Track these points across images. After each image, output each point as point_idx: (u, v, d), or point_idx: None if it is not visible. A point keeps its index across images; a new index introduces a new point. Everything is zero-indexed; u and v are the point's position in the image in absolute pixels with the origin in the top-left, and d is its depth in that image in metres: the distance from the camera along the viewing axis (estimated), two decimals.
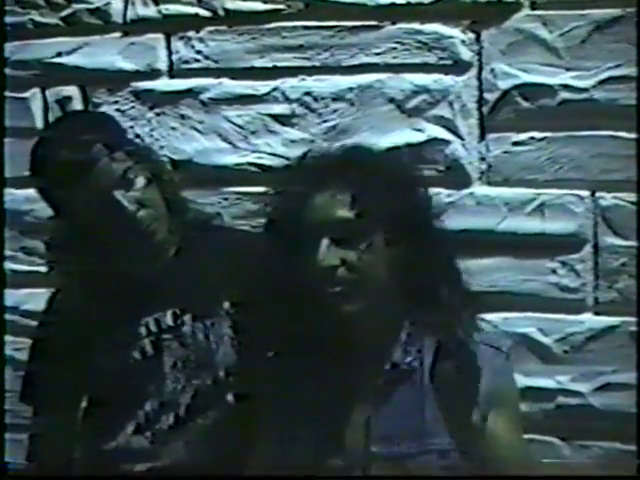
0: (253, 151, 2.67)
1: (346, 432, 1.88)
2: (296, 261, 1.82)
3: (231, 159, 2.68)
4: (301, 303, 1.85)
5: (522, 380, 2.28)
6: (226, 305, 2.17)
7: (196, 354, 2.17)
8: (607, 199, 2.45)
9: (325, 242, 1.80)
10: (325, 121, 2.61)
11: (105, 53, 2.76)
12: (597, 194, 2.46)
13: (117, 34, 2.75)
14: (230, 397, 2.13)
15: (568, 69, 2.46)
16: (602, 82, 2.44)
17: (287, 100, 2.63)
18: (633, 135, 2.44)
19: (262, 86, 2.65)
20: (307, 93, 2.62)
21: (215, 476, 2.04)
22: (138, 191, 2.12)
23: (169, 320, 2.19)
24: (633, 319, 2.45)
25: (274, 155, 2.65)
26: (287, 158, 2.61)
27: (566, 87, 2.46)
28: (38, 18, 2.80)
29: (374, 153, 2.06)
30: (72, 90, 2.78)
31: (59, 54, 2.79)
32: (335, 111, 2.60)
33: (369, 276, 1.82)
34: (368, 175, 1.85)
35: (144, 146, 2.48)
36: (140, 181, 2.13)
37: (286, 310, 1.87)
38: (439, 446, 1.84)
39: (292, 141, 2.63)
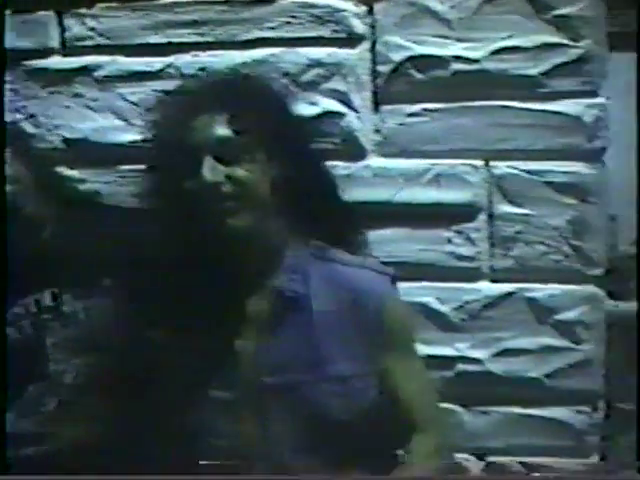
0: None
1: (234, 362, 1.90)
2: (183, 183, 1.87)
3: (126, 137, 2.65)
4: (190, 224, 1.87)
5: (422, 349, 2.30)
6: (106, 282, 2.16)
7: (77, 333, 2.17)
8: (501, 168, 2.48)
9: (209, 160, 1.86)
10: None
11: None
12: (491, 163, 2.49)
13: (7, 11, 2.70)
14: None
15: (460, 40, 2.48)
16: (493, 53, 2.47)
17: (182, 76, 2.61)
18: (524, 104, 2.47)
19: (156, 62, 2.63)
20: (202, 69, 2.60)
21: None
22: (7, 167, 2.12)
23: (48, 300, 2.18)
24: (528, 285, 2.49)
25: None
26: None
27: (458, 58, 2.48)
28: None
29: (247, 77, 2.14)
30: None
31: None
32: None
33: (254, 191, 1.88)
34: (243, 96, 1.94)
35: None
36: (8, 157, 2.13)
37: (177, 231, 1.91)
38: (337, 373, 1.87)
39: None
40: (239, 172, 1.88)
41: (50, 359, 2.17)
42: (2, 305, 2.09)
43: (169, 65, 2.62)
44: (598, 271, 2.48)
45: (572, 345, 2.49)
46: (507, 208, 2.48)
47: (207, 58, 2.60)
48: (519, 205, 2.47)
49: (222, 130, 1.89)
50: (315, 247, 1.98)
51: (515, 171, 2.47)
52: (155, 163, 1.98)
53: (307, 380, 1.90)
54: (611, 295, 2.57)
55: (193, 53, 2.60)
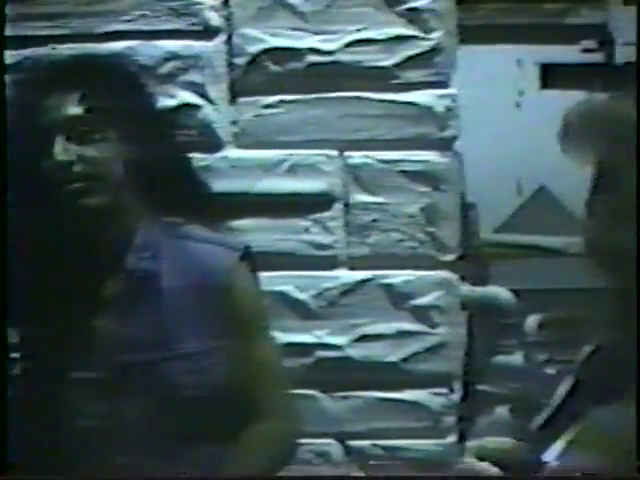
0: None
1: (92, 343, 1.92)
2: (38, 164, 1.89)
3: None
4: (45, 206, 1.89)
5: (281, 337, 2.35)
6: None
7: None
8: (355, 157, 2.54)
9: (60, 139, 1.87)
10: None
11: None
12: (345, 153, 2.54)
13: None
14: None
15: (315, 33, 2.53)
16: (347, 45, 2.52)
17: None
18: (377, 95, 2.53)
19: (11, 56, 2.61)
20: None
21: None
22: None
23: None
24: (384, 272, 2.55)
25: None
26: None
27: (313, 50, 2.53)
28: None
29: (99, 56, 2.21)
30: None
31: None
32: None
33: (106, 170, 1.91)
34: (95, 74, 1.97)
35: None
36: None
37: (34, 214, 1.93)
38: (184, 350, 1.91)
39: None
40: (90, 151, 1.90)
41: None
42: (2, 306, 2.02)
43: (26, 58, 2.61)
44: (452, 257, 2.55)
45: (428, 329, 2.55)
46: (362, 197, 2.53)
47: (65, 51, 2.59)
48: (374, 194, 2.53)
49: (73, 109, 1.91)
50: (168, 224, 1.99)
51: (369, 160, 2.53)
52: (10, 145, 1.97)
53: (157, 358, 1.93)
54: (464, 279, 2.65)
55: (51, 46, 2.60)
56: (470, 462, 1.32)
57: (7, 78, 2.35)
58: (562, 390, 1.33)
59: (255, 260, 2.11)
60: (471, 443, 1.42)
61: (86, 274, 1.96)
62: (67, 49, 2.58)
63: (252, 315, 2.02)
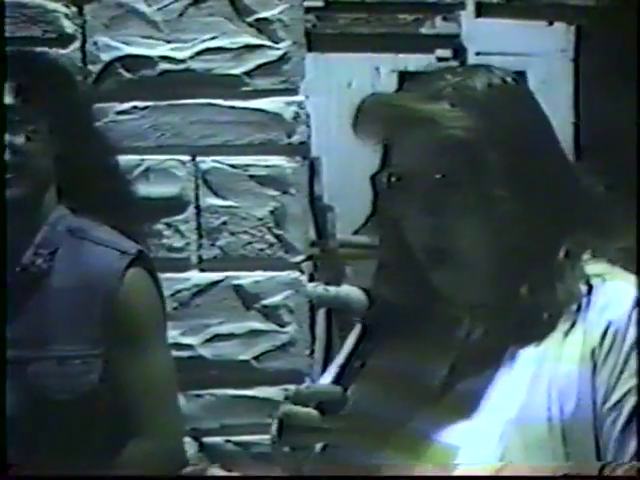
0: None
1: None
2: None
3: None
4: None
5: None
6: None
7: None
8: (207, 162, 2.61)
9: None
10: None
11: None
12: (197, 158, 2.61)
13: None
14: None
15: (167, 41, 2.60)
16: (199, 53, 2.60)
17: None
18: (228, 102, 2.61)
19: None
20: None
21: (215, 477, 1.99)
22: None
23: None
24: (235, 273, 2.63)
25: None
26: None
27: (165, 58, 2.60)
28: None
29: (37, 53, 2.26)
30: None
31: None
32: None
33: (33, 162, 1.94)
34: (32, 66, 2.03)
35: None
36: None
37: None
38: (59, 352, 1.92)
39: None
40: (19, 140, 1.92)
41: None
42: (2, 305, 2.02)
43: None
44: (299, 258, 2.64)
45: (277, 328, 2.64)
46: (213, 200, 2.61)
47: None
48: (224, 197, 2.61)
49: (8, 98, 1.93)
50: (74, 223, 2.00)
51: (220, 165, 2.61)
52: None
53: (31, 356, 1.93)
54: (313, 279, 2.74)
55: None
56: (288, 408, 1.39)
57: None
58: (351, 340, 1.45)
59: (151, 266, 2.08)
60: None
61: None
62: None
63: (141, 325, 1.99)
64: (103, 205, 2.03)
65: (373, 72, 4.12)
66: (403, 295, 1.48)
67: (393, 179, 1.45)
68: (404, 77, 3.88)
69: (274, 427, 1.46)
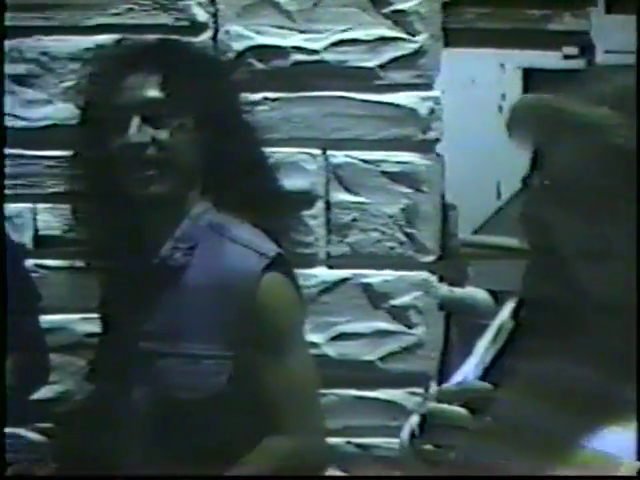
0: None
1: (115, 328, 1.95)
2: (109, 142, 1.87)
3: None
4: (111, 185, 1.88)
5: None
6: None
7: None
8: (338, 157, 2.55)
9: (136, 121, 1.84)
10: (62, 81, 2.60)
11: None
12: (328, 152, 2.55)
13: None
14: None
15: (301, 32, 2.54)
16: (332, 45, 2.53)
17: (24, 60, 2.61)
18: (361, 95, 2.54)
19: None
20: (44, 53, 2.60)
21: (215, 476, 1.95)
22: None
23: None
24: (363, 271, 2.56)
25: (12, 116, 2.62)
26: (25, 119, 2.61)
27: (298, 49, 2.54)
28: None
29: (187, 42, 2.18)
30: None
31: None
32: (73, 71, 2.60)
33: (177, 157, 1.88)
34: (178, 59, 1.93)
35: None
36: None
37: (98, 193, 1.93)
38: (190, 350, 1.87)
39: (30, 101, 2.62)
40: (163, 135, 1.86)
41: None
42: (2, 304, 2.02)
43: (12, 49, 2.61)
44: (430, 258, 2.57)
45: (405, 329, 2.57)
46: (343, 196, 2.55)
47: (50, 42, 2.60)
48: (355, 193, 2.55)
49: (152, 91, 1.87)
50: (216, 219, 1.94)
51: (352, 160, 2.55)
52: (86, 121, 1.97)
53: (162, 351, 1.89)
54: (443, 280, 2.66)
55: (36, 37, 2.60)
56: (434, 405, 1.33)
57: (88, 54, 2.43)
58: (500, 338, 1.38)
59: (289, 269, 1.96)
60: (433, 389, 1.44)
61: (126, 257, 1.93)
62: (53, 40, 2.59)
63: (279, 328, 1.89)
64: (247, 201, 1.95)
65: (498, 68, 4.04)
66: (554, 297, 1.41)
67: (546, 182, 1.38)
68: (529, 74, 3.81)
69: (414, 423, 1.39)
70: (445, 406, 1.32)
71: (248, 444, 1.91)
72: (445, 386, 1.40)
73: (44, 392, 2.61)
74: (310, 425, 1.94)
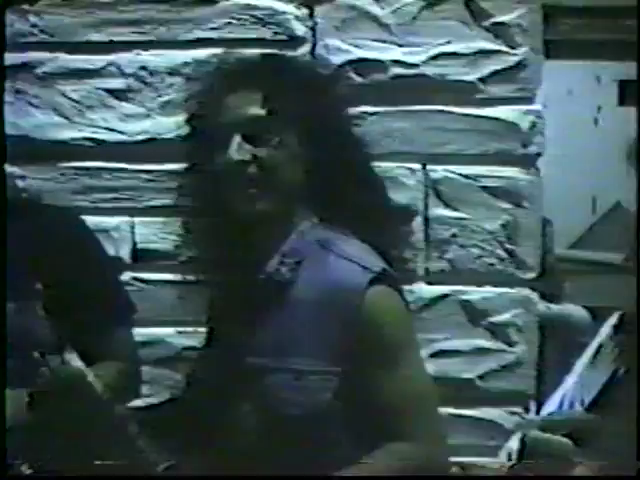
0: (89, 126, 2.65)
1: (220, 344, 1.94)
2: (214, 159, 1.85)
3: (67, 134, 2.66)
4: (215, 203, 1.87)
5: None
6: (38, 285, 2.10)
7: (10, 336, 2.11)
8: (437, 171, 2.52)
9: (237, 139, 1.83)
10: (161, 95, 2.61)
11: None
12: (428, 167, 2.52)
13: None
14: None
15: (400, 45, 2.52)
16: (432, 58, 2.50)
17: (123, 74, 2.63)
18: (461, 109, 2.51)
19: (98, 60, 2.64)
20: (143, 67, 2.61)
21: (216, 476, 1.95)
22: None
23: None
24: (462, 287, 2.53)
25: (110, 130, 2.64)
26: (123, 132, 2.62)
27: (397, 62, 2.52)
28: None
29: (289, 57, 2.13)
30: None
31: None
32: (171, 85, 2.60)
33: (278, 174, 1.85)
34: (280, 75, 1.89)
35: None
36: None
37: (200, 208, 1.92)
38: (296, 366, 1.84)
39: (128, 115, 2.63)
40: (264, 153, 1.84)
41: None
42: (2, 304, 2.02)
43: (110, 63, 2.63)
44: (531, 274, 2.52)
45: (505, 347, 2.53)
46: (443, 211, 2.52)
47: (148, 57, 2.61)
48: (455, 209, 2.51)
49: (254, 109, 1.85)
50: (323, 234, 1.90)
51: (451, 175, 2.52)
52: (193, 137, 1.96)
53: (269, 367, 1.86)
54: (544, 297, 2.62)
55: (135, 52, 2.61)
56: (538, 433, 1.29)
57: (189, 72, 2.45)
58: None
59: (395, 283, 1.91)
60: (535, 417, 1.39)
61: (234, 272, 1.92)
62: (151, 55, 2.60)
63: (388, 341, 1.85)
64: (355, 216, 1.92)
65: (593, 80, 3.98)
66: None
67: None
68: (625, 86, 3.74)
69: (513, 448, 1.35)
70: (549, 436, 1.28)
71: (349, 459, 1.88)
72: (549, 414, 1.36)
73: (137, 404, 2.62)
74: (433, 431, 1.90)
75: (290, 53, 2.50)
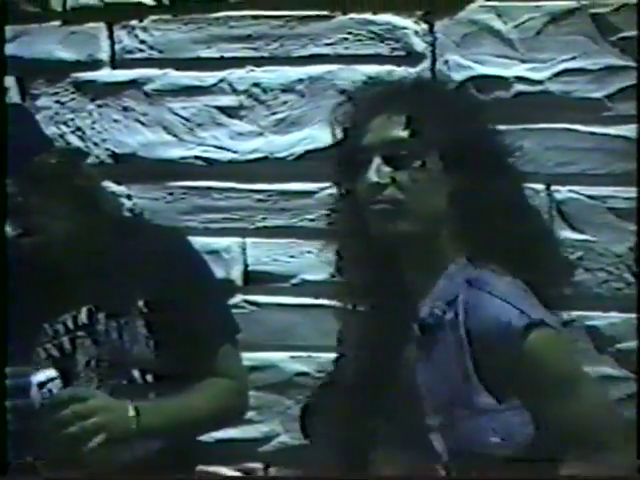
0: (199, 144, 2.60)
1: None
2: (356, 182, 1.81)
3: (176, 152, 2.61)
4: (356, 226, 1.82)
5: None
6: (140, 303, 2.10)
7: (110, 353, 2.11)
8: (562, 192, 2.43)
9: (377, 160, 1.77)
10: (274, 113, 2.55)
11: (44, 42, 2.66)
12: (552, 187, 2.43)
13: (56, 22, 2.66)
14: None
15: (523, 61, 2.43)
16: (557, 74, 2.42)
17: (234, 92, 2.57)
18: (587, 128, 2.42)
19: (209, 77, 2.59)
20: (255, 84, 2.56)
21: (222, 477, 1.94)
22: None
23: (84, 317, 2.11)
24: (588, 313, 2.43)
25: (221, 148, 2.58)
26: (234, 151, 2.56)
27: (521, 79, 2.43)
28: None
29: (435, 81, 2.13)
30: (8, 81, 2.67)
31: None
32: (285, 103, 2.55)
33: (418, 198, 1.78)
34: (426, 98, 1.84)
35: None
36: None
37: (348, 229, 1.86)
38: (482, 405, 1.75)
39: (240, 134, 2.57)
40: (404, 176, 1.77)
41: (81, 377, 2.11)
42: (2, 308, 1.99)
43: (222, 80, 2.57)
44: None
45: (631, 375, 2.42)
46: (568, 233, 2.42)
47: (261, 74, 2.55)
48: (580, 231, 2.42)
49: (395, 132, 1.79)
50: (473, 274, 1.80)
51: (577, 196, 2.42)
52: (337, 162, 1.91)
53: (459, 415, 1.76)
54: None
55: (247, 68, 2.55)
56: None
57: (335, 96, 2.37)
58: None
59: (550, 332, 1.77)
60: None
61: (378, 300, 1.86)
62: (264, 71, 2.54)
63: (557, 372, 1.75)
64: (508, 250, 1.82)
65: None
66: None
67: None
68: None
69: None
70: None
71: None
72: None
73: (249, 431, 2.56)
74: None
75: (409, 69, 2.45)
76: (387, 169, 1.78)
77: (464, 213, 1.80)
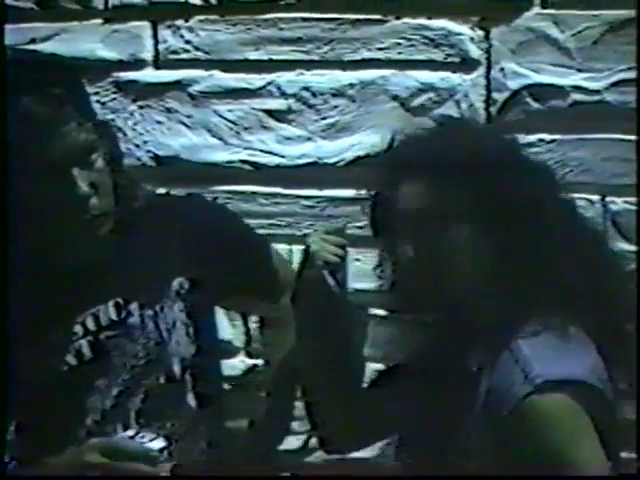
0: (245, 148, 2.55)
1: None
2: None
3: (222, 156, 2.56)
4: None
5: None
6: (176, 284, 1.96)
7: (145, 348, 1.93)
8: (617, 204, 2.40)
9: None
10: (324, 118, 2.51)
11: (85, 41, 2.60)
12: (607, 198, 2.40)
13: (98, 20, 2.60)
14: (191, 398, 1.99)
15: (580, 70, 2.40)
16: (614, 84, 2.39)
17: (283, 95, 2.52)
18: None
19: (256, 80, 2.54)
20: (305, 88, 2.51)
21: (215, 477, 1.91)
22: (96, 173, 1.83)
23: (112, 313, 1.90)
24: None
25: (268, 153, 2.53)
26: (282, 156, 2.52)
27: (577, 88, 2.40)
28: (9, 1, 2.63)
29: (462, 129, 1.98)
30: None
31: (33, 40, 2.61)
32: (335, 107, 2.50)
33: (444, 265, 1.76)
34: (451, 157, 1.77)
35: (103, 120, 2.12)
36: (99, 162, 1.84)
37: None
38: None
39: (288, 138, 2.53)
40: (435, 249, 1.76)
41: (112, 383, 1.91)
42: (3, 305, 1.83)
43: (270, 83, 2.53)
44: None
45: None
46: (623, 245, 2.39)
47: (311, 77, 2.51)
48: (636, 243, 2.39)
49: (420, 202, 1.76)
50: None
51: (633, 207, 2.39)
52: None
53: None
54: None
55: (296, 71, 2.51)
56: None
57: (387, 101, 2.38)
58: None
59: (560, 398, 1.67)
60: None
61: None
62: (314, 75, 2.50)
63: (559, 447, 1.64)
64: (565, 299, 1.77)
65: None
66: None
67: None
68: None
69: None
70: None
71: None
72: None
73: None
74: None
75: (463, 76, 2.41)
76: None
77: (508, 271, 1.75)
